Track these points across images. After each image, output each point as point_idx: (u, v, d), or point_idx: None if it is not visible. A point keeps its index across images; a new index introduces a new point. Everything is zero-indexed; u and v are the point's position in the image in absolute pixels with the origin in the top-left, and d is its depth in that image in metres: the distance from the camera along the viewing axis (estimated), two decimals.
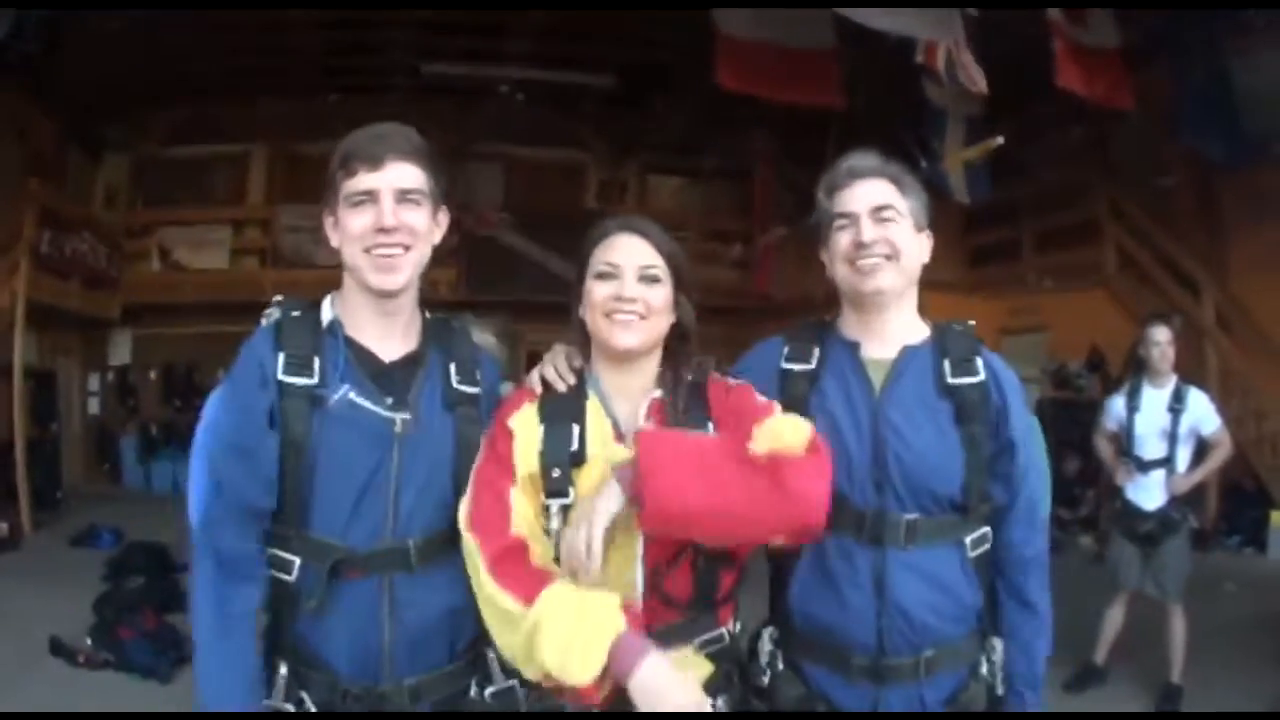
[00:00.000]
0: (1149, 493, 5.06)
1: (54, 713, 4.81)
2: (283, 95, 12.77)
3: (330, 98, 12.38)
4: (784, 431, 1.83)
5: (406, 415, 1.87)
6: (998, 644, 2.06)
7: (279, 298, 1.97)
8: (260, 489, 1.82)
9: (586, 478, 1.84)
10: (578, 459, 1.85)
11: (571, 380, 1.94)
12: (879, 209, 2.01)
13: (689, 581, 1.86)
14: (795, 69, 8.37)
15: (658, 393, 1.93)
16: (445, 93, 12.73)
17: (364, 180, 1.85)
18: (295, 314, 1.92)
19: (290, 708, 1.85)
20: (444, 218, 1.99)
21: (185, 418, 11.70)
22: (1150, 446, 5.07)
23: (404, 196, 1.86)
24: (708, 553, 1.84)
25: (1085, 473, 9.29)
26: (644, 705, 1.63)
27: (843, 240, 2.03)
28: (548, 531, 1.83)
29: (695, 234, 13.77)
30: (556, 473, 1.83)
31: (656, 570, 1.83)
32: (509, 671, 1.91)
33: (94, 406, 13.61)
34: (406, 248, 1.88)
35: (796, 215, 11.74)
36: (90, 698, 5.11)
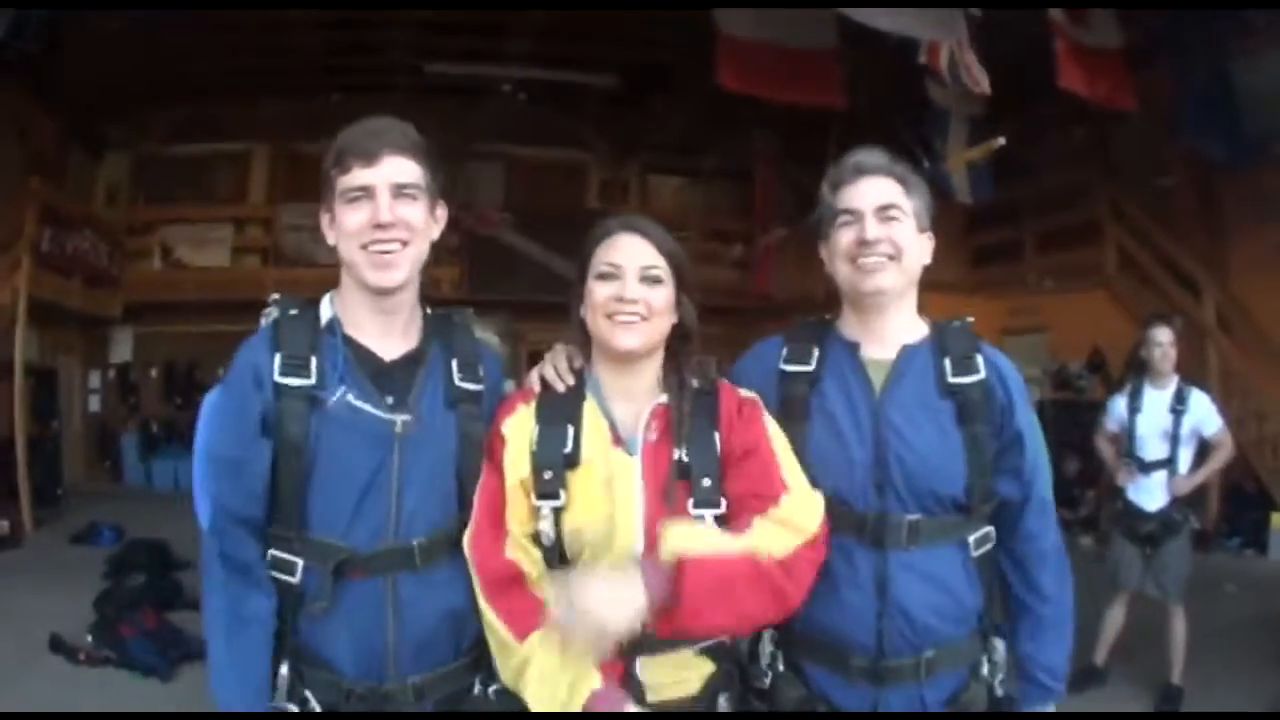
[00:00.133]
0: (1150, 494, 5.06)
1: (54, 713, 4.80)
2: (284, 94, 12.76)
3: (332, 97, 12.37)
4: (802, 519, 1.83)
5: (407, 416, 1.86)
6: (998, 644, 2.05)
7: (276, 296, 1.96)
8: (247, 501, 1.83)
9: (580, 480, 1.84)
10: (571, 461, 1.85)
11: (570, 380, 1.93)
12: (884, 208, 1.99)
13: None
14: (797, 69, 8.36)
15: (663, 398, 1.92)
16: (447, 92, 12.72)
17: (359, 176, 1.84)
18: (293, 313, 1.91)
19: (294, 708, 1.84)
20: (442, 212, 1.97)
21: (186, 415, 11.71)
22: (1152, 447, 5.06)
23: (400, 191, 1.85)
24: None
25: (1085, 473, 9.30)
26: None
27: (846, 237, 2.02)
28: (539, 534, 1.83)
29: (696, 234, 13.76)
30: (549, 475, 1.83)
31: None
32: None
33: (95, 404, 13.61)
34: (404, 243, 1.87)
35: (797, 216, 11.74)
36: (90, 695, 5.11)
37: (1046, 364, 10.96)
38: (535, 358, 2.04)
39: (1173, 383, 5.09)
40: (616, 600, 1.68)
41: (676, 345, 1.96)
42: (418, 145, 1.90)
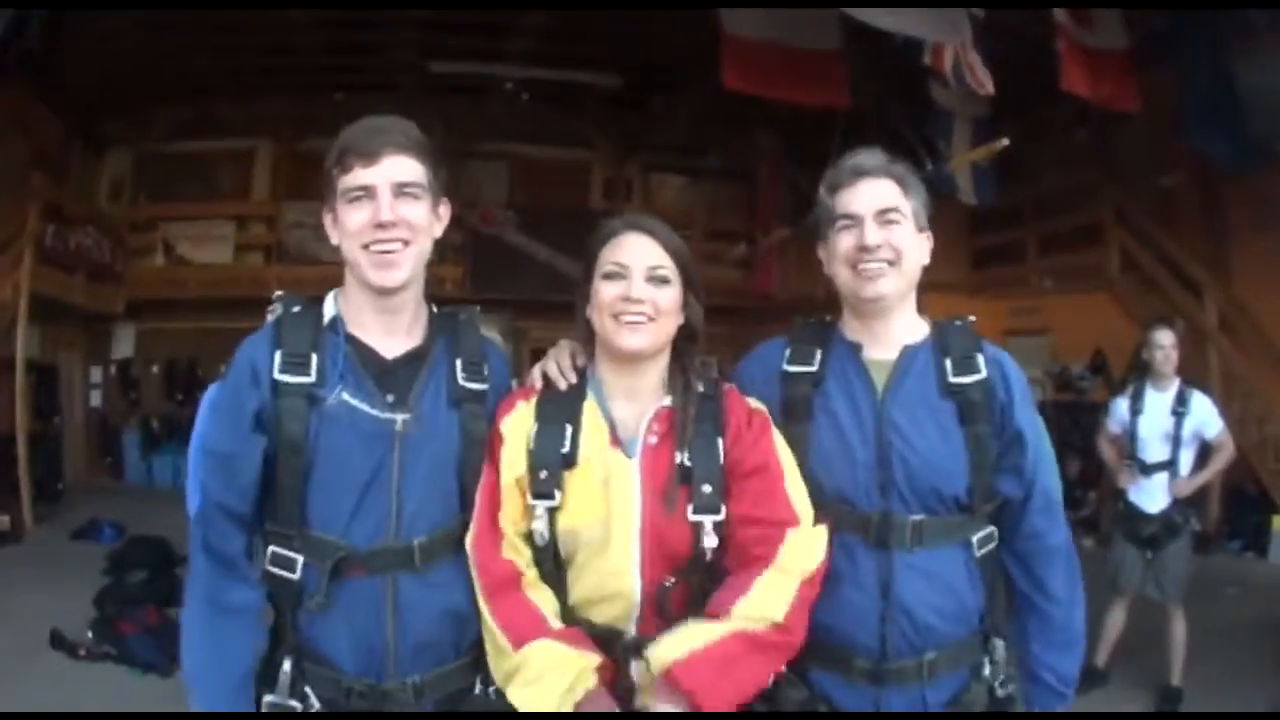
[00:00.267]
0: (1151, 495, 5.07)
1: (55, 713, 4.79)
2: (287, 92, 12.76)
3: (335, 95, 12.37)
4: (805, 559, 1.84)
5: (407, 415, 1.85)
6: (999, 645, 2.04)
7: (280, 293, 1.96)
8: (236, 495, 1.83)
9: (577, 480, 1.83)
10: (569, 461, 1.84)
11: (572, 378, 1.93)
12: (883, 211, 1.98)
13: (687, 597, 1.86)
14: (800, 69, 8.34)
15: (667, 400, 1.91)
16: (450, 91, 12.71)
17: (360, 175, 1.83)
18: (296, 310, 1.91)
19: (295, 704, 1.84)
20: (446, 211, 1.97)
21: (187, 412, 11.66)
22: (1153, 449, 5.07)
23: (401, 190, 1.85)
24: (706, 571, 1.85)
25: (1086, 474, 9.30)
26: None
27: (845, 242, 2.01)
28: (532, 534, 1.83)
29: (698, 233, 13.74)
30: (544, 474, 1.83)
31: (654, 585, 1.83)
32: None
33: (96, 400, 13.60)
34: (406, 242, 1.86)
35: (799, 216, 11.73)
36: (90, 692, 5.12)
37: (1048, 365, 10.96)
38: (538, 356, 2.04)
39: (1174, 385, 5.10)
40: None
41: (681, 346, 1.95)
42: (419, 144, 1.89)
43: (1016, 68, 7.43)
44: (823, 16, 8.15)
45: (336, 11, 10.57)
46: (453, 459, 1.90)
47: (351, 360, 1.88)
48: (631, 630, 1.85)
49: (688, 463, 1.85)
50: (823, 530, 1.88)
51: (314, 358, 1.85)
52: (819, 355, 2.06)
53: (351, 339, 1.90)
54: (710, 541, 1.83)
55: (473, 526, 1.86)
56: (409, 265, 1.87)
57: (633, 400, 1.92)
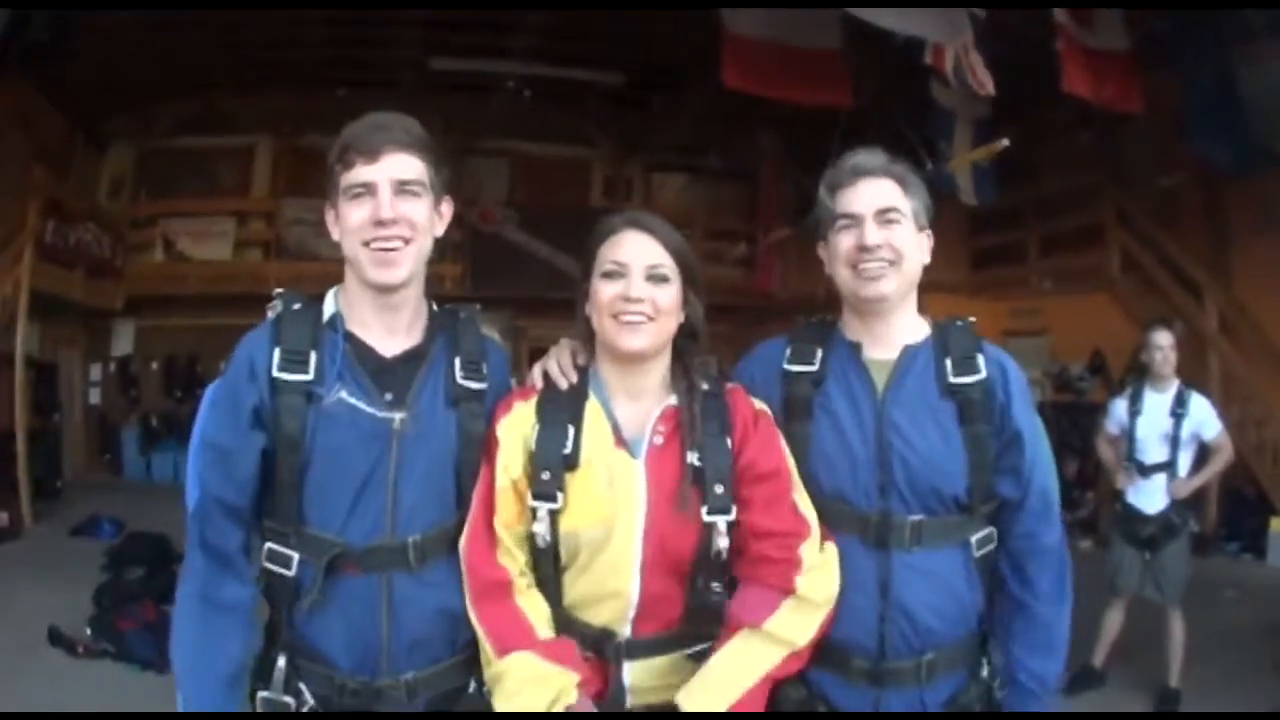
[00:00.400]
0: (1150, 496, 5.07)
1: (54, 712, 4.78)
2: (289, 88, 12.79)
3: (337, 91, 12.37)
4: (825, 588, 1.86)
5: (404, 414, 1.85)
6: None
7: (280, 290, 1.95)
8: (234, 490, 1.82)
9: (579, 481, 1.83)
10: (570, 462, 1.83)
11: (573, 377, 1.92)
12: (883, 211, 1.97)
13: (685, 599, 1.86)
14: (801, 69, 8.35)
15: (671, 399, 1.90)
16: (451, 88, 12.72)
17: (361, 172, 1.82)
18: (296, 308, 1.90)
19: (289, 700, 1.84)
20: (448, 208, 1.96)
21: (186, 409, 11.72)
22: (1152, 450, 5.07)
23: (402, 188, 1.84)
24: (708, 572, 1.84)
25: (1084, 475, 9.31)
26: None
27: (845, 242, 2.00)
28: (533, 536, 1.82)
29: (699, 232, 13.75)
30: (546, 475, 1.81)
31: (652, 586, 1.83)
32: None
33: (95, 397, 13.62)
34: (406, 240, 1.85)
35: (800, 216, 11.73)
36: (89, 688, 5.12)
37: (1048, 366, 10.97)
38: (537, 355, 2.02)
39: (1173, 386, 5.10)
40: None
41: (682, 344, 1.94)
42: (421, 141, 1.89)
43: (1018, 69, 7.44)
44: (824, 16, 8.16)
45: (339, 8, 10.58)
46: (450, 458, 1.89)
47: (350, 358, 1.87)
48: (625, 632, 1.84)
49: (698, 463, 1.84)
50: (833, 550, 1.89)
51: (313, 355, 1.84)
52: (820, 355, 2.05)
53: (350, 337, 1.89)
54: (723, 542, 1.83)
55: (467, 529, 1.85)
56: (409, 263, 1.87)
57: (636, 400, 1.91)
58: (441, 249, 1.98)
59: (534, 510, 1.81)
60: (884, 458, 1.94)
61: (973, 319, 2.08)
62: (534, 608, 1.82)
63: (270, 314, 1.91)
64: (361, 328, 1.91)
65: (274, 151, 13.83)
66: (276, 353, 1.83)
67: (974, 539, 1.98)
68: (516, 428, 1.87)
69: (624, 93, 13.07)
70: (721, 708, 1.75)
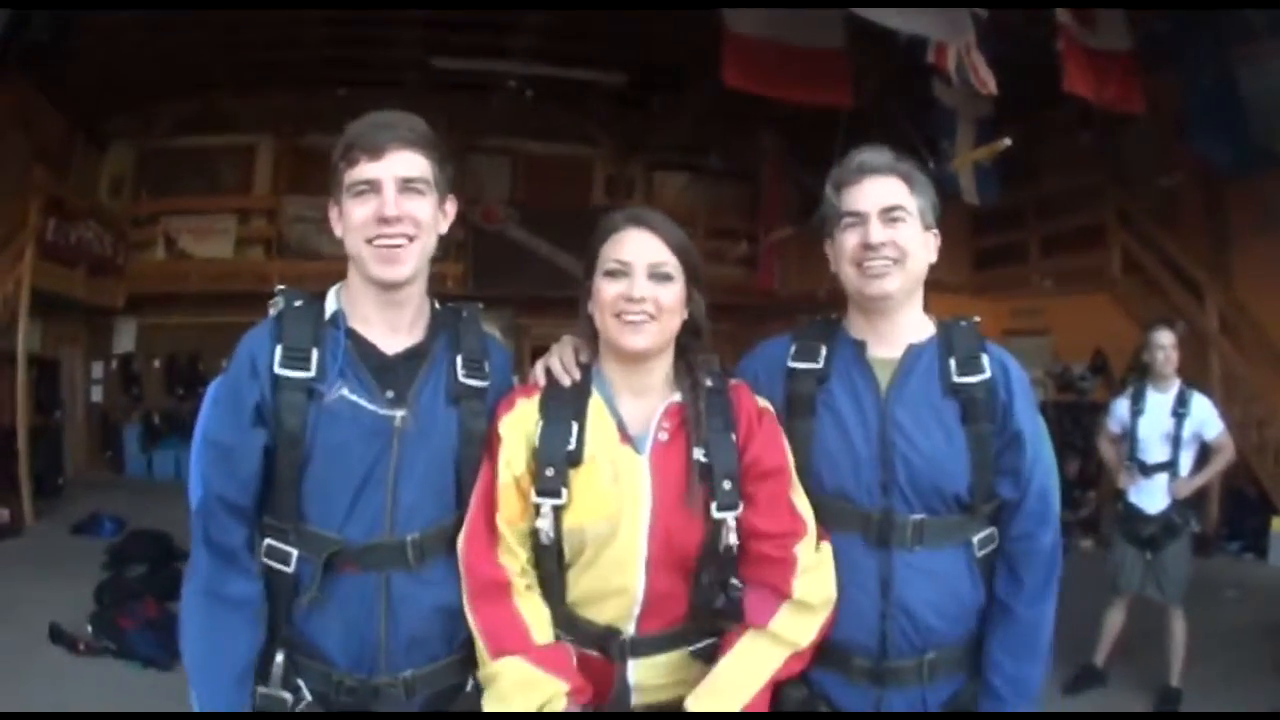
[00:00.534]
0: (1151, 496, 5.06)
1: (55, 712, 4.77)
2: (290, 87, 12.78)
3: (338, 90, 12.37)
4: (821, 589, 1.87)
5: (405, 411, 1.85)
6: None
7: (282, 287, 1.95)
8: (237, 488, 1.82)
9: (583, 478, 1.82)
10: (575, 459, 1.83)
11: (576, 374, 1.91)
12: (889, 209, 1.97)
13: (690, 594, 1.85)
14: (803, 68, 8.34)
15: (675, 396, 1.90)
16: (453, 88, 12.71)
17: (366, 169, 1.82)
18: (298, 305, 1.90)
19: (287, 696, 1.84)
20: (451, 207, 1.96)
21: (188, 407, 11.74)
22: (1153, 450, 5.07)
23: (406, 186, 1.84)
24: (714, 568, 1.84)
25: (1086, 475, 9.30)
26: None
27: (850, 240, 2.00)
28: (537, 533, 1.82)
29: (701, 231, 13.74)
30: (550, 471, 1.81)
31: (657, 583, 1.83)
32: None
33: (97, 395, 13.62)
34: (410, 238, 1.85)
35: (802, 215, 11.73)
36: (90, 686, 5.12)
37: (1049, 366, 10.96)
38: (539, 353, 2.02)
39: (1175, 386, 5.10)
40: None
41: (686, 341, 1.93)
42: (426, 139, 1.88)
43: (1019, 69, 7.43)
44: (825, 15, 8.15)
45: (339, 8, 10.58)
46: (451, 456, 1.89)
47: (351, 355, 1.87)
48: (630, 629, 1.84)
49: (704, 459, 1.84)
50: (828, 551, 1.90)
51: (314, 352, 1.84)
52: (824, 353, 2.05)
53: (352, 334, 1.89)
54: (732, 538, 1.83)
55: (466, 527, 1.85)
56: (413, 261, 1.87)
57: (640, 397, 1.90)
58: (444, 248, 1.98)
59: (537, 507, 1.81)
60: (886, 456, 1.94)
61: (977, 319, 2.08)
62: (532, 610, 1.82)
63: (272, 311, 1.91)
64: (363, 325, 1.91)
65: (275, 150, 13.82)
66: (278, 350, 1.83)
67: (976, 539, 1.98)
68: (519, 424, 1.87)
69: (626, 92, 13.06)
70: (731, 704, 1.76)
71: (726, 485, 1.82)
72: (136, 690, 5.10)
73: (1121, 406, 5.27)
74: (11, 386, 9.84)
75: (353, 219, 1.85)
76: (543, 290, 11.53)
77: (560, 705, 1.74)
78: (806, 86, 8.44)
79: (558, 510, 1.80)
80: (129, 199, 13.45)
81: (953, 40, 7.23)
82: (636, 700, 1.84)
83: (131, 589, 6.43)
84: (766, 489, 1.87)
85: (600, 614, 1.84)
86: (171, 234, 13.45)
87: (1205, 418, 5.06)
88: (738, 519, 1.83)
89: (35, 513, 9.48)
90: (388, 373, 1.88)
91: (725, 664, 1.81)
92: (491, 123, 13.58)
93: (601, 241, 1.91)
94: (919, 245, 2.00)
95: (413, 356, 1.92)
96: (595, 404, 1.88)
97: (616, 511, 1.81)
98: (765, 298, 13.44)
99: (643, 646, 1.84)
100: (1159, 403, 5.10)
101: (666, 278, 1.86)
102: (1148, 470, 5.08)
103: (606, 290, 1.85)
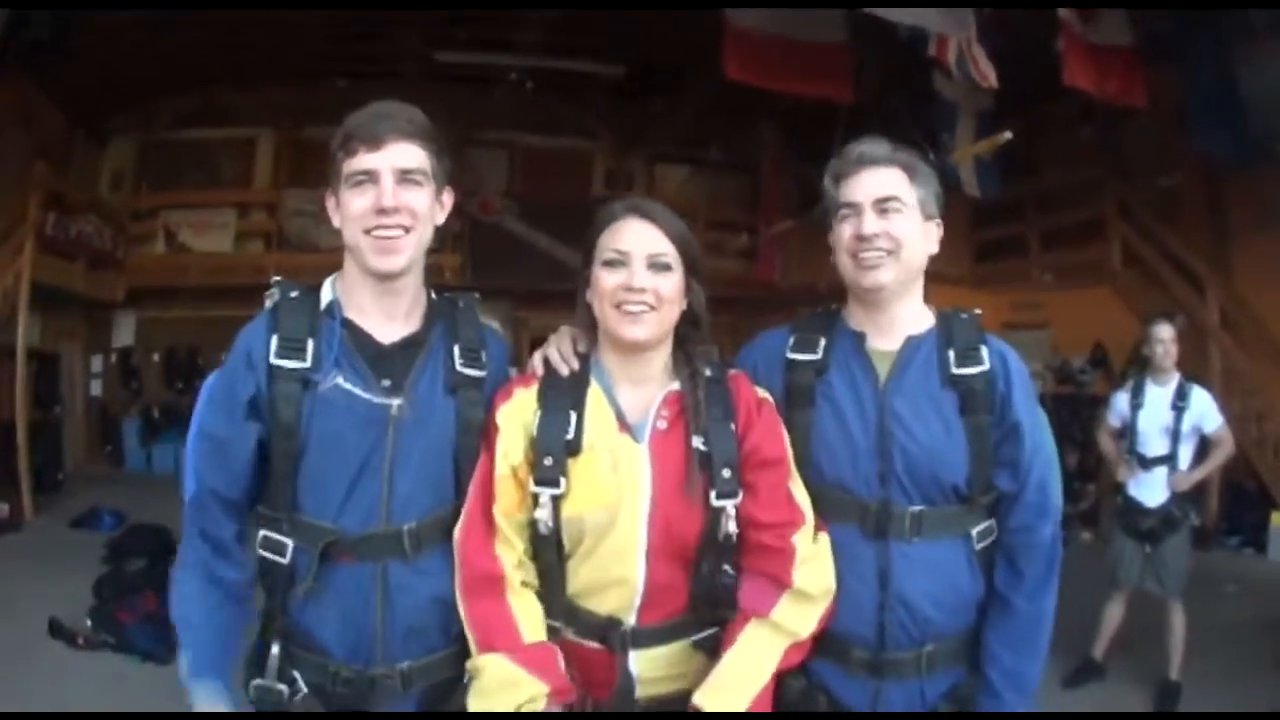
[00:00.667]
0: (1151, 489, 5.07)
1: (54, 712, 4.76)
2: (290, 80, 12.73)
3: (338, 83, 12.33)
4: (820, 580, 1.86)
5: (401, 400, 1.85)
6: None
7: (277, 278, 1.96)
8: (228, 480, 1.84)
9: (582, 467, 1.82)
10: (573, 448, 1.83)
11: (575, 364, 1.91)
12: (882, 200, 1.96)
13: (690, 584, 1.85)
14: (804, 61, 8.32)
15: (674, 385, 1.90)
16: (453, 80, 12.67)
17: (364, 160, 1.83)
18: (294, 296, 1.91)
19: (283, 687, 1.84)
20: (448, 198, 1.96)
21: (187, 400, 11.59)
22: (1153, 443, 5.07)
23: (404, 177, 1.84)
24: (714, 557, 1.84)
25: (1085, 468, 9.31)
26: None
27: (846, 231, 2.00)
28: (536, 523, 1.81)
29: (701, 224, 13.68)
30: (549, 460, 1.81)
31: (657, 572, 1.83)
32: None
33: (96, 389, 13.59)
34: (407, 229, 1.85)
35: (802, 207, 11.71)
36: (89, 680, 5.12)
37: (1049, 359, 10.96)
38: (538, 346, 2.01)
39: (1174, 379, 5.10)
40: None
41: (684, 331, 1.93)
42: (424, 130, 1.89)
43: (1020, 63, 7.41)
44: (827, 9, 8.13)
45: (340, 8, 10.56)
46: (448, 445, 1.89)
47: (347, 345, 1.87)
48: (631, 620, 1.84)
49: (704, 447, 1.84)
50: (825, 541, 1.90)
51: (310, 343, 1.84)
52: (823, 344, 2.05)
53: (348, 324, 1.90)
54: (732, 526, 1.83)
55: (462, 518, 1.85)
56: (409, 251, 1.87)
57: (638, 386, 1.90)
58: (441, 239, 1.99)
59: (535, 497, 1.81)
60: (885, 447, 1.94)
61: (978, 311, 2.07)
62: (524, 608, 1.81)
63: (268, 302, 1.91)
64: (359, 314, 1.91)
65: (275, 144, 13.78)
66: (274, 340, 1.83)
67: (975, 531, 1.98)
68: (517, 414, 1.87)
69: (625, 85, 13.03)
70: (741, 707, 1.75)
71: (726, 473, 1.82)
72: (136, 684, 5.11)
73: (1121, 400, 5.27)
74: (11, 381, 9.82)
75: (350, 209, 1.85)
76: (541, 283, 11.49)
77: (539, 707, 1.73)
78: (807, 79, 8.42)
79: (556, 500, 1.80)
80: (129, 193, 13.41)
81: (953, 33, 7.21)
82: (639, 692, 1.84)
83: (131, 583, 6.41)
84: (765, 479, 1.86)
85: (601, 605, 1.84)
86: (171, 228, 13.41)
87: (1205, 411, 5.06)
88: (736, 508, 1.83)
89: (34, 507, 9.46)
90: (384, 361, 1.88)
91: (730, 658, 1.80)
92: (491, 115, 13.54)
93: (600, 231, 1.90)
94: (915, 236, 1.99)
95: (409, 345, 1.92)
96: (594, 393, 1.88)
97: (615, 500, 1.80)
98: (765, 290, 13.41)
99: (644, 638, 1.84)
100: (1158, 396, 5.10)
101: (665, 268, 1.86)
102: (1147, 463, 5.08)
103: (605, 280, 1.85)
